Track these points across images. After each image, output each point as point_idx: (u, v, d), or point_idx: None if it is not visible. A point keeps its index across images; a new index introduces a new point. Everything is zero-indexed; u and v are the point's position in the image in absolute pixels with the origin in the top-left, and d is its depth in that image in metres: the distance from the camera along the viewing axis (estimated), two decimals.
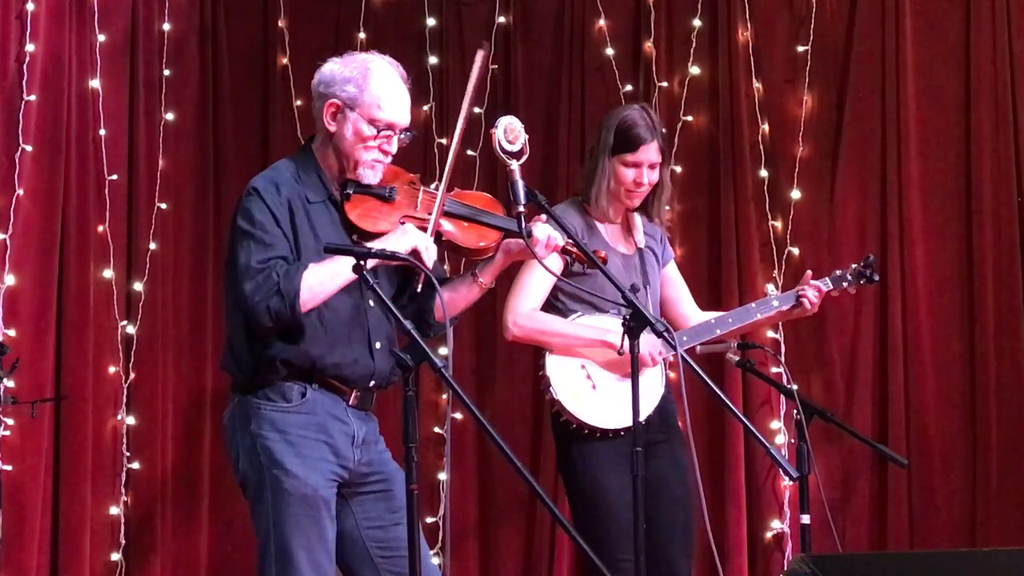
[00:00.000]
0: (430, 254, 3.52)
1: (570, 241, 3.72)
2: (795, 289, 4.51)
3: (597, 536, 4.12)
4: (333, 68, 3.63)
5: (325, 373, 3.55)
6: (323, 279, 3.45)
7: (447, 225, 3.61)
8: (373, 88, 3.58)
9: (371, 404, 3.66)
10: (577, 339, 4.27)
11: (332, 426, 3.56)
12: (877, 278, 4.64)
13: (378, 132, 3.58)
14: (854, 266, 4.61)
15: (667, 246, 4.56)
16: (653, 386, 4.27)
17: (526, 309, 4.30)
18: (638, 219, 4.47)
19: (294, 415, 3.53)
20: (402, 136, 3.62)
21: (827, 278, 4.54)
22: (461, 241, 3.64)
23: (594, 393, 4.25)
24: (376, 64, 3.62)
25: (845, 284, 4.56)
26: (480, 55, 3.70)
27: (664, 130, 4.46)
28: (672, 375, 4.49)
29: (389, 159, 3.63)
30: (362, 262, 3.33)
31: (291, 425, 3.52)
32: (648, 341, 4.12)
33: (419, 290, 3.57)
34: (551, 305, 4.35)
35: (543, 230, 3.62)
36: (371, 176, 3.60)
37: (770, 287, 5.79)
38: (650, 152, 4.32)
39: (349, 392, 3.60)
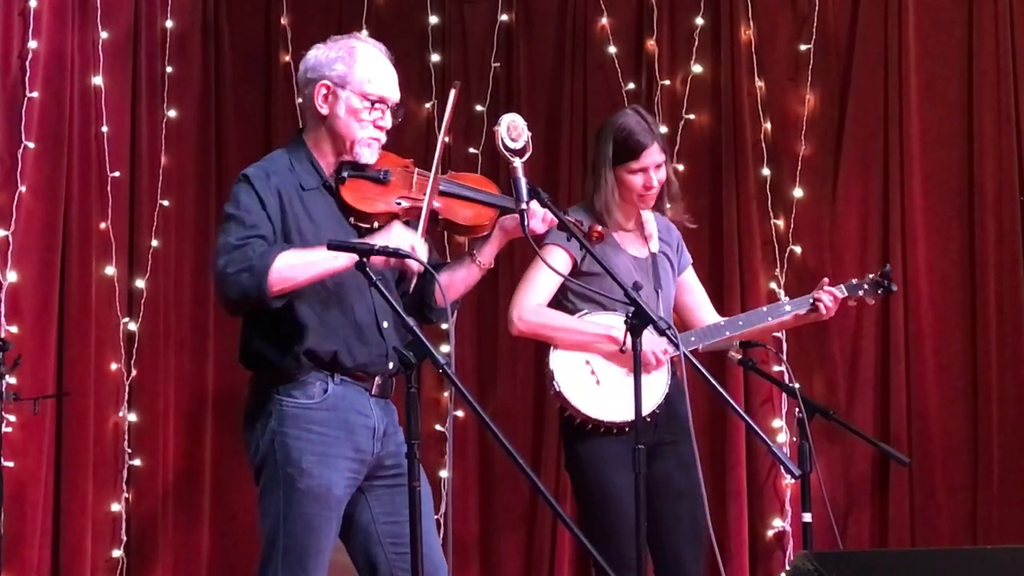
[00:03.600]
0: (421, 252, 3.52)
1: (569, 219, 3.72)
2: (810, 294, 4.50)
3: (605, 534, 4.11)
4: (318, 53, 3.68)
5: (345, 363, 3.56)
6: (296, 264, 3.44)
7: (442, 205, 3.62)
8: (361, 64, 3.62)
9: (391, 391, 3.66)
10: (581, 333, 4.27)
11: (354, 421, 3.56)
12: (895, 288, 4.62)
13: (372, 105, 3.61)
14: (871, 276, 4.59)
15: (684, 253, 4.56)
16: (658, 383, 4.27)
17: (532, 304, 4.30)
18: (653, 225, 4.47)
19: (316, 412, 3.53)
20: (397, 111, 3.66)
21: (842, 285, 4.51)
22: (457, 219, 3.66)
23: (598, 388, 4.25)
24: (360, 44, 3.68)
25: (861, 293, 4.53)
26: (453, 92, 3.71)
27: (662, 127, 4.46)
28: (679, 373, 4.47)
29: (384, 136, 3.65)
30: (364, 259, 3.35)
31: (313, 422, 3.53)
32: (653, 341, 4.12)
33: (411, 291, 3.59)
34: (559, 304, 4.35)
35: (538, 208, 3.63)
36: (368, 155, 3.63)
37: (773, 285, 5.80)
38: (653, 155, 4.32)
39: (371, 380, 3.60)
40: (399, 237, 3.51)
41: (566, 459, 4.36)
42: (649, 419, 4.22)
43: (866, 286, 4.55)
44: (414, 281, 3.56)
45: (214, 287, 3.51)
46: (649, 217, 4.47)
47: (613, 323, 4.19)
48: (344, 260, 3.41)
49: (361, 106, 3.60)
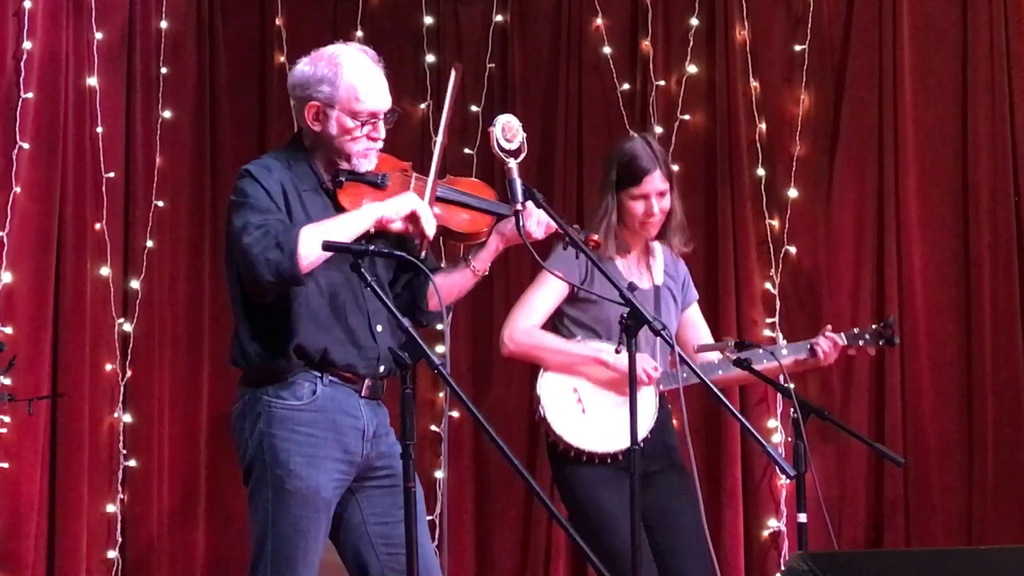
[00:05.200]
0: (429, 223, 3.51)
1: (563, 222, 3.71)
2: (809, 340, 4.47)
3: (603, 554, 4.06)
4: (304, 70, 3.62)
5: (336, 364, 3.55)
6: (320, 230, 3.42)
7: (439, 210, 3.61)
8: (347, 81, 3.57)
9: (382, 393, 3.65)
10: (571, 355, 4.27)
11: (343, 422, 3.56)
12: (897, 341, 4.60)
13: (363, 123, 3.58)
14: (874, 326, 4.57)
15: (690, 288, 4.53)
16: (646, 411, 4.23)
17: (525, 325, 4.29)
18: (660, 257, 4.45)
19: (305, 413, 3.53)
20: (390, 117, 3.63)
21: (843, 334, 4.49)
22: (454, 226, 3.65)
23: (583, 417, 4.26)
24: (345, 56, 3.61)
25: (862, 343, 4.51)
26: (454, 73, 3.69)
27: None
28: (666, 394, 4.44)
29: (380, 144, 3.63)
30: (360, 260, 3.35)
31: (301, 423, 3.52)
32: (643, 359, 4.13)
33: (423, 255, 3.56)
34: (555, 329, 4.34)
35: (535, 209, 3.60)
36: (366, 164, 3.61)
37: (768, 285, 5.80)
38: (655, 182, 4.29)
39: (361, 382, 3.59)
40: (410, 201, 3.50)
41: (555, 481, 4.34)
42: (639, 448, 4.20)
43: (867, 336, 4.52)
44: (424, 247, 3.55)
45: (244, 270, 3.43)
46: (657, 249, 4.45)
47: (603, 347, 4.19)
48: (368, 221, 3.43)
49: (353, 124, 3.57)
